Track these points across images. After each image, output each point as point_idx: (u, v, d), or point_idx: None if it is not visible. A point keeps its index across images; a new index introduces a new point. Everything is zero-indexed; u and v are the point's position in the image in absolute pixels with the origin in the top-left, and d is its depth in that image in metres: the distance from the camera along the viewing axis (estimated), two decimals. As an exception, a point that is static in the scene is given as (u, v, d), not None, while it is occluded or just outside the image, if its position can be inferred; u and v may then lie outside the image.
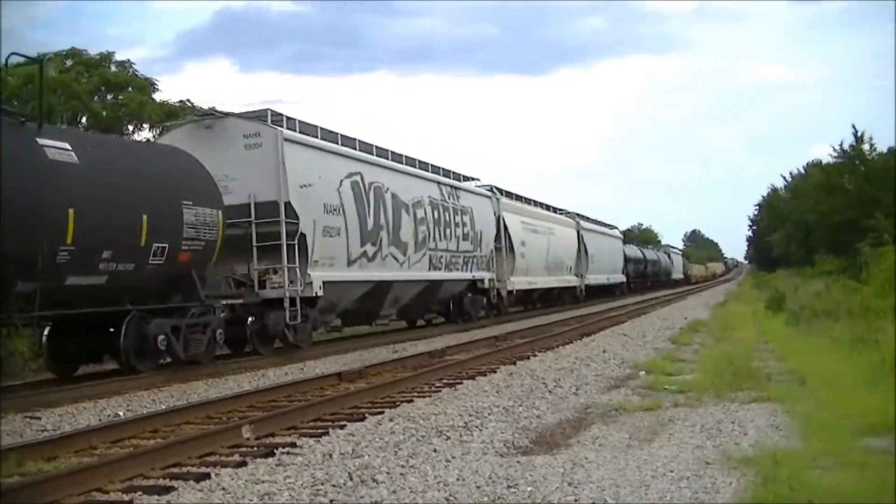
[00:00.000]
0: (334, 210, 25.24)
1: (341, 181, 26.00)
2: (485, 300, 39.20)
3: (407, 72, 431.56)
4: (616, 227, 79.61)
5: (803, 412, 10.76)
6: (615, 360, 19.26)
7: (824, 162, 73.46)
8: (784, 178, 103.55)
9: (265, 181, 22.96)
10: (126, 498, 8.30)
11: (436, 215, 33.34)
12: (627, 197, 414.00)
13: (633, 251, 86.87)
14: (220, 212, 20.37)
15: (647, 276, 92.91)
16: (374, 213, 27.91)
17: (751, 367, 15.56)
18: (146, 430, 12.04)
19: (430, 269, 32.50)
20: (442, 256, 33.76)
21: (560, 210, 58.47)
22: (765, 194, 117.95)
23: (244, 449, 10.30)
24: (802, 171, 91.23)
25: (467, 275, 36.78)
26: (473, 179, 40.54)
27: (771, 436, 9.78)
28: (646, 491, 7.82)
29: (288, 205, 22.92)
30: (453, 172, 37.37)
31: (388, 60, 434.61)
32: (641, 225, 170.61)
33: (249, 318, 22.35)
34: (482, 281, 38.41)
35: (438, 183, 34.75)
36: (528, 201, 50.14)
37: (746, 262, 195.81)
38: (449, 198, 35.21)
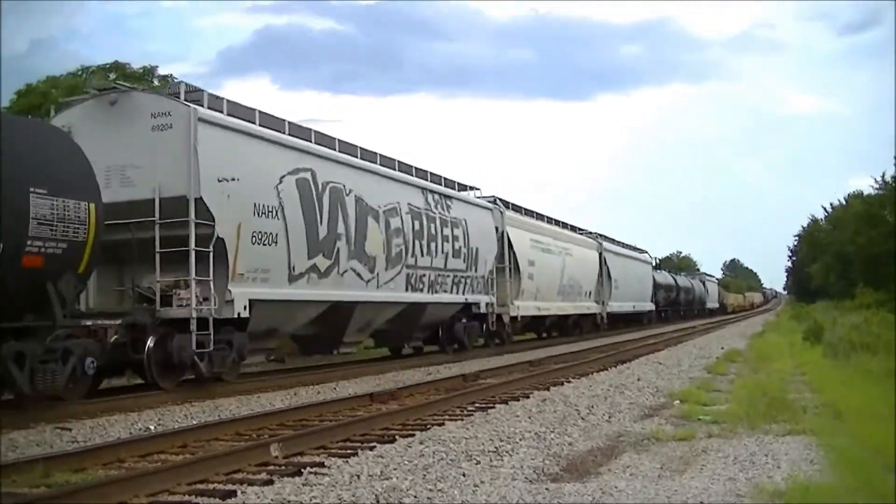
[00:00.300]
0: (270, 212, 20.73)
1: (282, 177, 21.42)
2: (482, 327, 34.57)
3: (447, 94, 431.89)
4: (646, 252, 73.82)
5: (837, 446, 10.61)
6: (650, 388, 19.11)
7: (865, 193, 73.31)
8: (824, 208, 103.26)
9: (173, 171, 18.76)
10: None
11: (417, 226, 28.61)
12: (666, 225, 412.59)
13: (664, 278, 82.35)
14: (93, 205, 15.90)
15: (679, 304, 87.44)
16: (330, 218, 23.16)
17: (786, 399, 15.38)
18: (175, 444, 12.04)
19: (407, 289, 27.84)
20: (424, 275, 29.02)
21: (580, 230, 53.54)
22: (804, 225, 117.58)
23: (272, 467, 10.26)
24: (843, 202, 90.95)
25: (458, 297, 31.98)
26: (473, 189, 35.99)
27: (804, 469, 9.63)
28: (675, 522, 7.73)
29: (200, 201, 18.63)
30: (445, 179, 32.75)
31: (428, 82, 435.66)
32: (680, 253, 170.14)
33: (149, 343, 17.82)
34: (478, 305, 33.49)
35: (423, 189, 29.93)
36: (540, 217, 45.26)
37: (785, 292, 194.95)
38: (436, 207, 30.47)
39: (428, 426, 13.59)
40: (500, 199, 38.24)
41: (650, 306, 69.64)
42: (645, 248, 74.24)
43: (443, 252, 30.48)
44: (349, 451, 11.27)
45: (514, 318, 37.34)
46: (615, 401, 16.87)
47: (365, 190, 25.37)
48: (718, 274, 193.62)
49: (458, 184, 34.27)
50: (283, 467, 10.21)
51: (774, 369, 22.06)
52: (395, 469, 10.04)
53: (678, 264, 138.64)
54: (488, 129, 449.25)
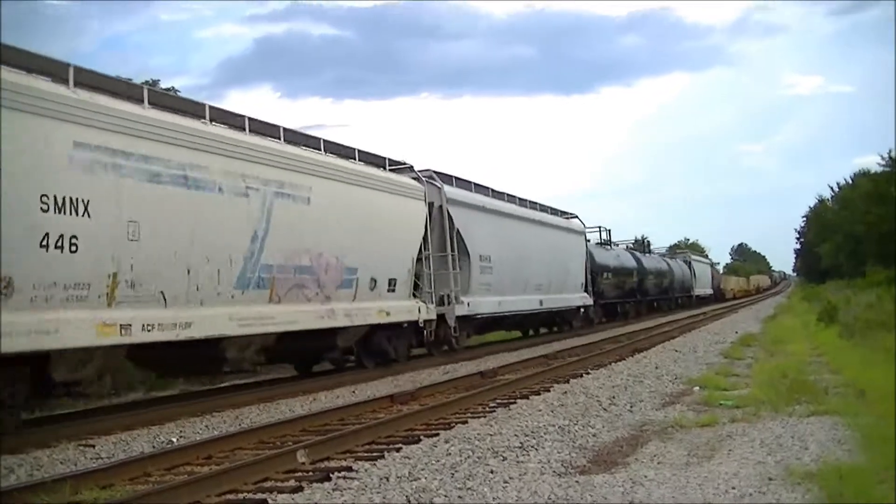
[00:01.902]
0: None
1: None
2: None
3: (449, 94, 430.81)
4: (574, 216, 45.79)
5: (864, 425, 10.59)
6: (668, 376, 19.11)
7: (872, 171, 73.33)
8: (831, 188, 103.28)
9: None
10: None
11: None
12: (673, 213, 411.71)
13: (615, 257, 56.15)
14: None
15: (644, 293, 63.50)
16: None
17: (807, 381, 15.38)
18: (200, 456, 12.01)
19: None
20: None
21: (391, 163, 27.55)
22: (812, 206, 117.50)
23: (300, 474, 10.25)
24: (850, 181, 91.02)
25: None
26: None
27: (833, 450, 9.62)
28: (709, 509, 7.72)
29: None
30: None
31: (431, 83, 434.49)
32: (688, 240, 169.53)
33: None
34: None
35: None
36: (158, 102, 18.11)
37: (795, 274, 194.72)
38: None
39: (451, 425, 13.58)
40: None
41: (582, 299, 44.63)
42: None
43: None
44: (376, 454, 11.27)
45: None
46: (635, 390, 16.87)
47: None
48: (727, 258, 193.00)
49: None
50: (312, 473, 10.20)
51: (792, 351, 22.07)
52: (422, 469, 10.04)
53: (686, 250, 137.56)
54: (493, 125, 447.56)
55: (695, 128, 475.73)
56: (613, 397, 15.86)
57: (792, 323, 37.35)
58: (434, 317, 27.80)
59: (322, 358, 25.47)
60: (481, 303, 31.11)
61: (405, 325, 26.51)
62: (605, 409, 14.44)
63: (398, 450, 11.52)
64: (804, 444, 10.11)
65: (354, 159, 25.14)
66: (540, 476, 9.43)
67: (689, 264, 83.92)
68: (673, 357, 23.87)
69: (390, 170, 27.31)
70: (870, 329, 23.40)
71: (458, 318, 29.07)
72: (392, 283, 25.66)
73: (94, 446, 13.65)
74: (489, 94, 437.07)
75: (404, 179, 27.68)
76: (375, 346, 25.30)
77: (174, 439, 14.23)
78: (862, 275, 59.56)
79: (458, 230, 29.83)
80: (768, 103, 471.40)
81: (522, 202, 38.59)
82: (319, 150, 23.41)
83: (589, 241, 49.12)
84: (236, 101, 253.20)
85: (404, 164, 28.68)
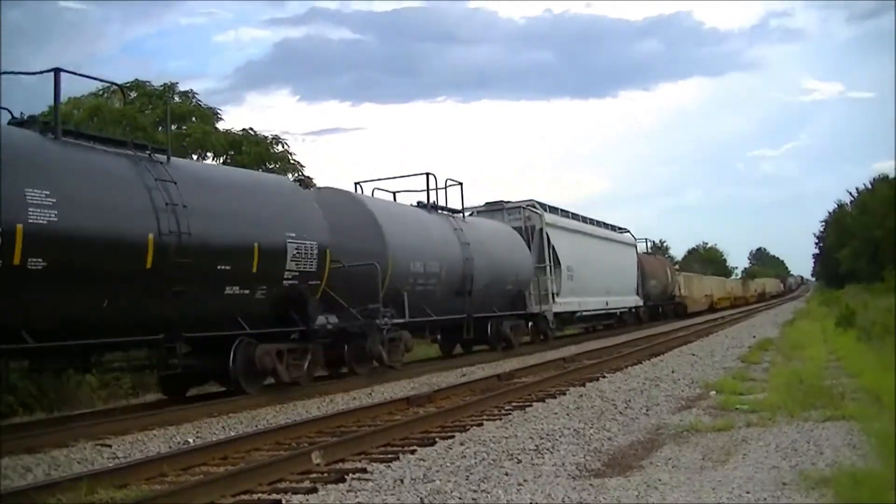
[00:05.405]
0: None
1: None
2: None
3: (467, 98, 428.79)
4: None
5: (880, 431, 10.56)
6: (685, 380, 19.09)
7: (891, 176, 73.10)
8: (851, 193, 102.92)
9: None
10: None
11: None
12: (691, 218, 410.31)
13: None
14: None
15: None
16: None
17: (823, 386, 15.36)
18: (216, 457, 12.03)
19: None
20: None
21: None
22: (831, 210, 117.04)
23: (315, 475, 10.26)
24: (869, 186, 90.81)
25: None
26: None
27: (848, 455, 9.61)
28: (722, 513, 7.71)
29: None
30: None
31: (449, 87, 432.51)
32: (706, 244, 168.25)
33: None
34: None
35: None
36: None
37: (813, 279, 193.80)
38: None
39: (467, 427, 13.57)
40: None
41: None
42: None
43: None
44: (391, 456, 11.27)
45: None
46: (651, 394, 16.87)
47: None
48: (745, 263, 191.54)
49: None
50: (326, 474, 10.21)
51: (809, 356, 21.99)
52: (437, 471, 10.05)
53: (705, 256, 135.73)
54: (512, 129, 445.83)
55: (714, 132, 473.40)
56: (629, 401, 15.85)
57: (810, 327, 37.18)
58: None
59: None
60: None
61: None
62: (620, 413, 14.44)
63: (413, 452, 11.54)
64: (819, 449, 10.10)
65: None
66: (554, 479, 9.43)
67: (526, 232, 35.82)
68: (690, 361, 23.84)
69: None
70: (887, 333, 23.31)
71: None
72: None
73: (110, 446, 13.66)
74: (507, 99, 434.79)
75: None
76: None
77: (190, 440, 14.25)
78: (881, 279, 59.35)
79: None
80: (787, 108, 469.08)
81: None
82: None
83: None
84: (255, 104, 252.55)
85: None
